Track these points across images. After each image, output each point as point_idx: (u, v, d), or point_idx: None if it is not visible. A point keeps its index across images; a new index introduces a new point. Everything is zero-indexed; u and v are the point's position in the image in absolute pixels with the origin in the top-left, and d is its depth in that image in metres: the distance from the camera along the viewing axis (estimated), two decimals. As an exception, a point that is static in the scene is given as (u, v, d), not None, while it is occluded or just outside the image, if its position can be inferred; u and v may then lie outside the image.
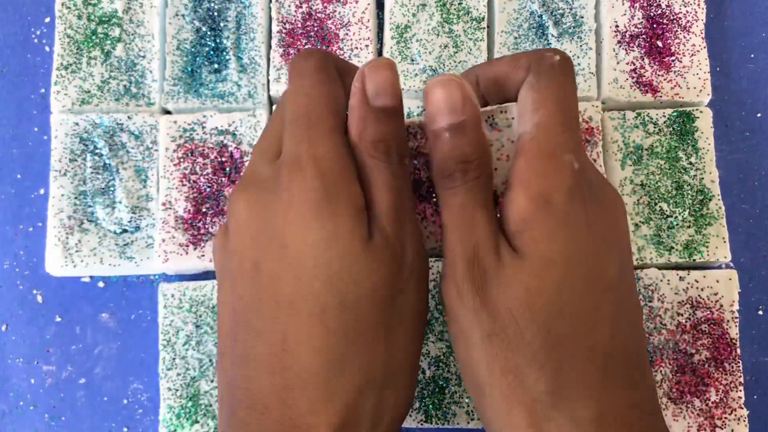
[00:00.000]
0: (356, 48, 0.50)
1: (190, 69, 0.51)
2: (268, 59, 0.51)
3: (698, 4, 0.51)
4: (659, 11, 0.51)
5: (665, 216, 0.49)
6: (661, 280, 0.48)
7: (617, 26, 0.51)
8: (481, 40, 0.51)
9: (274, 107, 0.50)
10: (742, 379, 0.45)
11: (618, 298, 0.29)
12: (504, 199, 0.30)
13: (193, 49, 0.51)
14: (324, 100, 0.30)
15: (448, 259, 0.30)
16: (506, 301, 0.28)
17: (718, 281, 0.48)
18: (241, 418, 0.28)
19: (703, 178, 0.49)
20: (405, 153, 0.30)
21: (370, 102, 0.29)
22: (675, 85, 0.50)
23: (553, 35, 0.51)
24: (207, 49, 0.51)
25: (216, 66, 0.51)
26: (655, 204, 0.49)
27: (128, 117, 0.51)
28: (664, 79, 0.51)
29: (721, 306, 0.48)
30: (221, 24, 0.51)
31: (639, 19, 0.51)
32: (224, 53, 0.51)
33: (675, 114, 0.50)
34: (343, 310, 0.27)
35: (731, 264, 0.50)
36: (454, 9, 0.51)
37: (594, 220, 0.29)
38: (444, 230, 0.31)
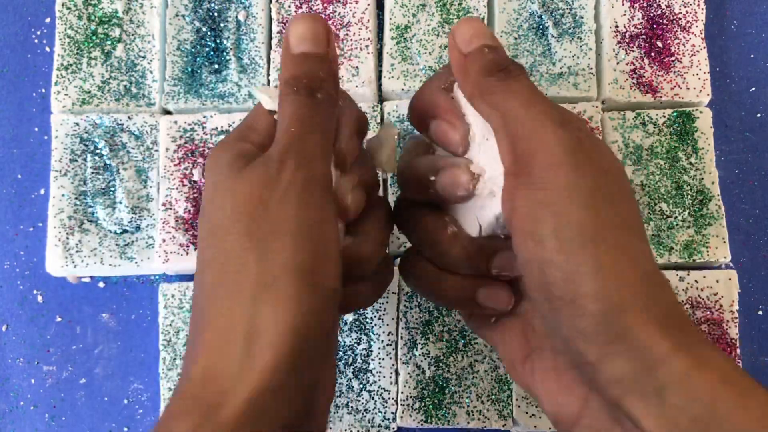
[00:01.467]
0: (356, 48, 0.51)
1: (190, 69, 0.51)
2: (269, 59, 0.51)
3: (698, 4, 0.51)
4: (659, 11, 0.51)
5: (665, 216, 0.49)
6: (661, 280, 0.48)
7: (617, 26, 0.51)
8: (481, 40, 0.51)
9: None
10: (741, 379, 0.45)
11: None
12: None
13: (193, 50, 0.51)
14: None
15: (536, 127, 0.30)
16: (597, 161, 0.29)
17: (717, 281, 0.48)
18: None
19: (702, 179, 0.49)
20: (318, 88, 0.31)
21: (291, 49, 0.32)
22: (675, 85, 0.50)
23: (553, 35, 0.51)
24: (207, 49, 0.51)
25: (216, 66, 0.51)
26: (655, 204, 0.49)
27: (128, 117, 0.51)
28: (664, 80, 0.51)
29: (721, 306, 0.48)
30: (221, 24, 0.51)
31: (639, 19, 0.51)
32: (224, 54, 0.51)
33: (675, 114, 0.50)
34: (214, 237, 0.29)
35: (731, 264, 0.50)
36: (454, 9, 0.51)
37: None
38: (514, 119, 0.30)
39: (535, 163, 0.29)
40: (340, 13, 0.51)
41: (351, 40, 0.51)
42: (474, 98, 0.32)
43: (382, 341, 0.48)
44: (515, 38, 0.51)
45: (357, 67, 0.50)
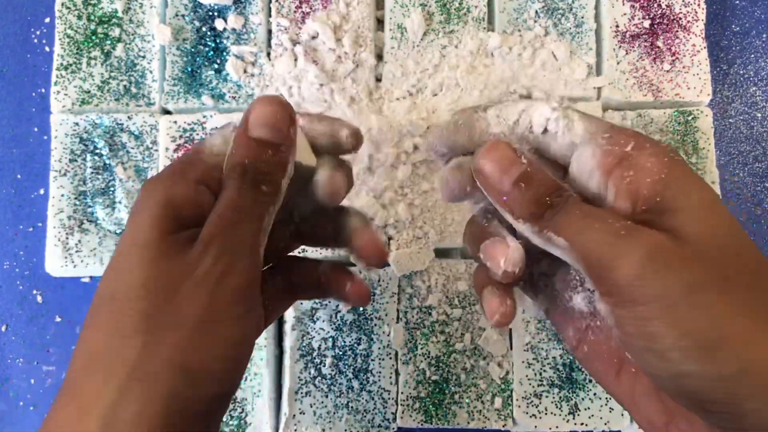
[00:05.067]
0: (356, 48, 0.50)
1: (190, 69, 0.51)
2: (268, 59, 0.51)
3: (698, 4, 0.51)
4: (659, 11, 0.51)
5: (665, 216, 0.49)
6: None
7: (617, 26, 0.51)
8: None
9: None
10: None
11: None
12: (619, 173, 0.29)
13: (193, 50, 0.51)
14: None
15: (597, 252, 0.28)
16: (693, 251, 0.26)
17: (718, 281, 0.48)
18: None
19: (703, 179, 0.49)
20: (265, 181, 0.30)
21: (249, 131, 0.30)
22: (675, 85, 0.50)
23: (553, 35, 0.51)
24: (207, 49, 0.51)
25: (216, 66, 0.51)
26: (655, 204, 0.49)
27: (128, 117, 0.51)
28: (665, 79, 0.51)
29: (721, 306, 0.48)
30: (221, 24, 0.51)
31: (639, 19, 0.51)
32: (224, 53, 0.51)
33: (675, 114, 0.50)
34: (112, 302, 0.27)
35: (731, 264, 0.50)
36: (454, 9, 0.51)
37: None
38: (575, 239, 0.28)
39: (620, 281, 0.27)
40: (339, 12, 0.51)
41: (351, 39, 0.50)
42: (532, 236, 0.30)
43: (382, 341, 0.48)
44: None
45: (357, 66, 0.50)
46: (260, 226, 0.30)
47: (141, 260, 0.27)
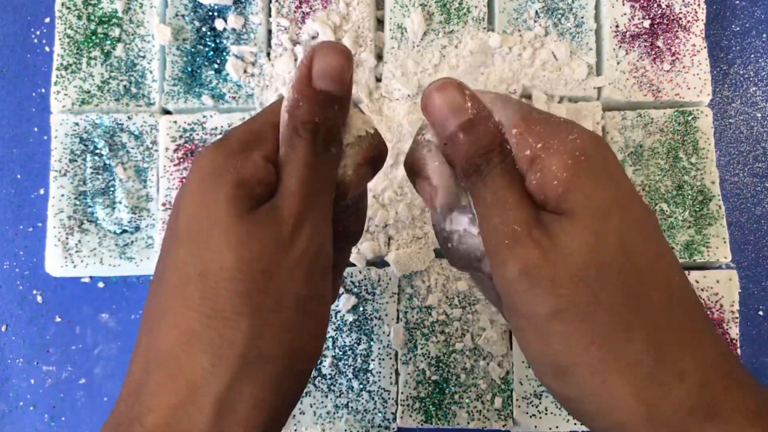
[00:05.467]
0: (356, 47, 0.50)
1: (190, 69, 0.51)
2: (268, 59, 0.51)
3: (698, 4, 0.51)
4: (659, 11, 0.51)
5: (665, 216, 0.49)
6: (661, 281, 0.48)
7: (617, 26, 0.51)
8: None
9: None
10: (742, 380, 0.45)
11: (667, 242, 0.29)
12: (531, 174, 0.28)
13: (193, 50, 0.51)
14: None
15: (491, 248, 0.28)
16: (569, 269, 0.26)
17: (718, 281, 0.48)
18: (115, 406, 0.28)
19: (703, 178, 0.49)
20: (334, 141, 0.28)
21: (312, 82, 0.28)
22: (675, 85, 0.50)
23: (553, 35, 0.51)
24: (207, 49, 0.51)
25: (216, 66, 0.51)
26: (656, 204, 0.49)
27: (128, 117, 0.51)
28: (665, 79, 0.50)
29: (722, 306, 0.48)
30: (221, 24, 0.51)
31: (639, 19, 0.51)
32: (224, 53, 0.51)
33: (675, 114, 0.50)
34: (204, 281, 0.26)
35: (731, 264, 0.50)
36: (454, 9, 0.51)
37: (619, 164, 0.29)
38: (481, 222, 0.28)
39: (498, 286, 0.28)
40: (339, 12, 0.51)
41: (351, 39, 0.50)
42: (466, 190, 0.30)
43: (382, 341, 0.48)
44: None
45: (357, 66, 0.50)
46: (332, 195, 0.29)
47: (228, 242, 0.26)
